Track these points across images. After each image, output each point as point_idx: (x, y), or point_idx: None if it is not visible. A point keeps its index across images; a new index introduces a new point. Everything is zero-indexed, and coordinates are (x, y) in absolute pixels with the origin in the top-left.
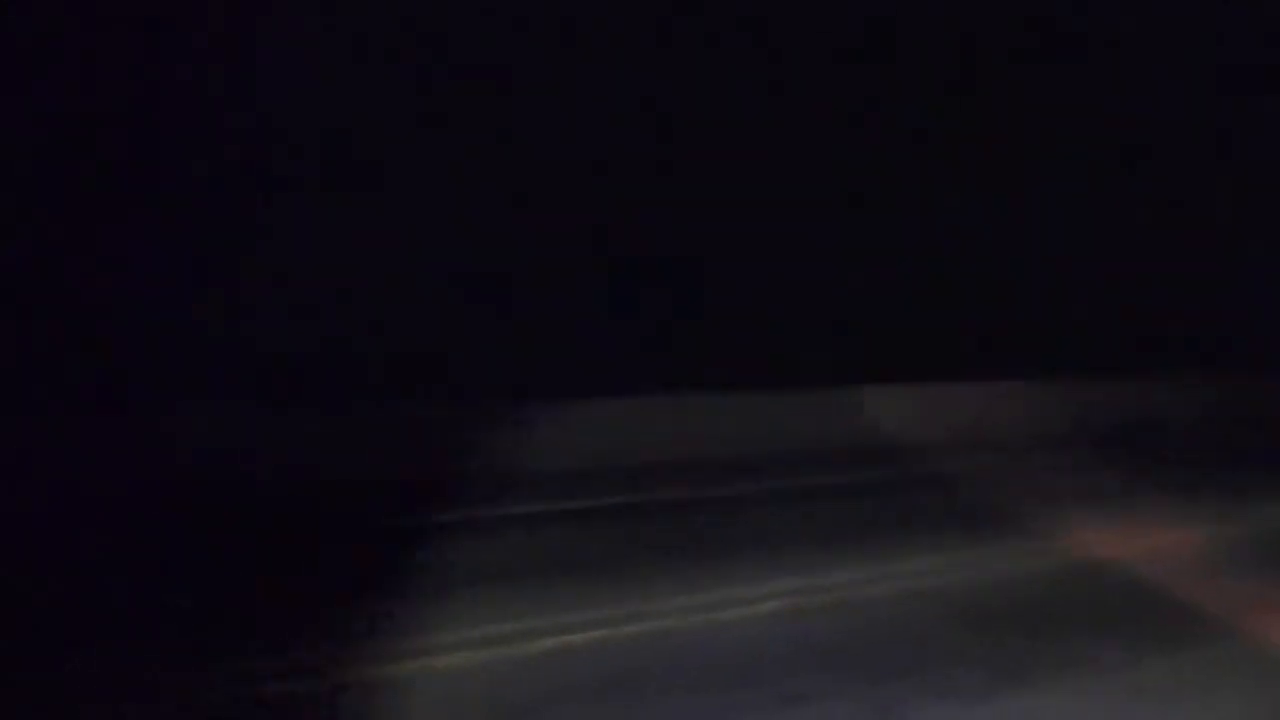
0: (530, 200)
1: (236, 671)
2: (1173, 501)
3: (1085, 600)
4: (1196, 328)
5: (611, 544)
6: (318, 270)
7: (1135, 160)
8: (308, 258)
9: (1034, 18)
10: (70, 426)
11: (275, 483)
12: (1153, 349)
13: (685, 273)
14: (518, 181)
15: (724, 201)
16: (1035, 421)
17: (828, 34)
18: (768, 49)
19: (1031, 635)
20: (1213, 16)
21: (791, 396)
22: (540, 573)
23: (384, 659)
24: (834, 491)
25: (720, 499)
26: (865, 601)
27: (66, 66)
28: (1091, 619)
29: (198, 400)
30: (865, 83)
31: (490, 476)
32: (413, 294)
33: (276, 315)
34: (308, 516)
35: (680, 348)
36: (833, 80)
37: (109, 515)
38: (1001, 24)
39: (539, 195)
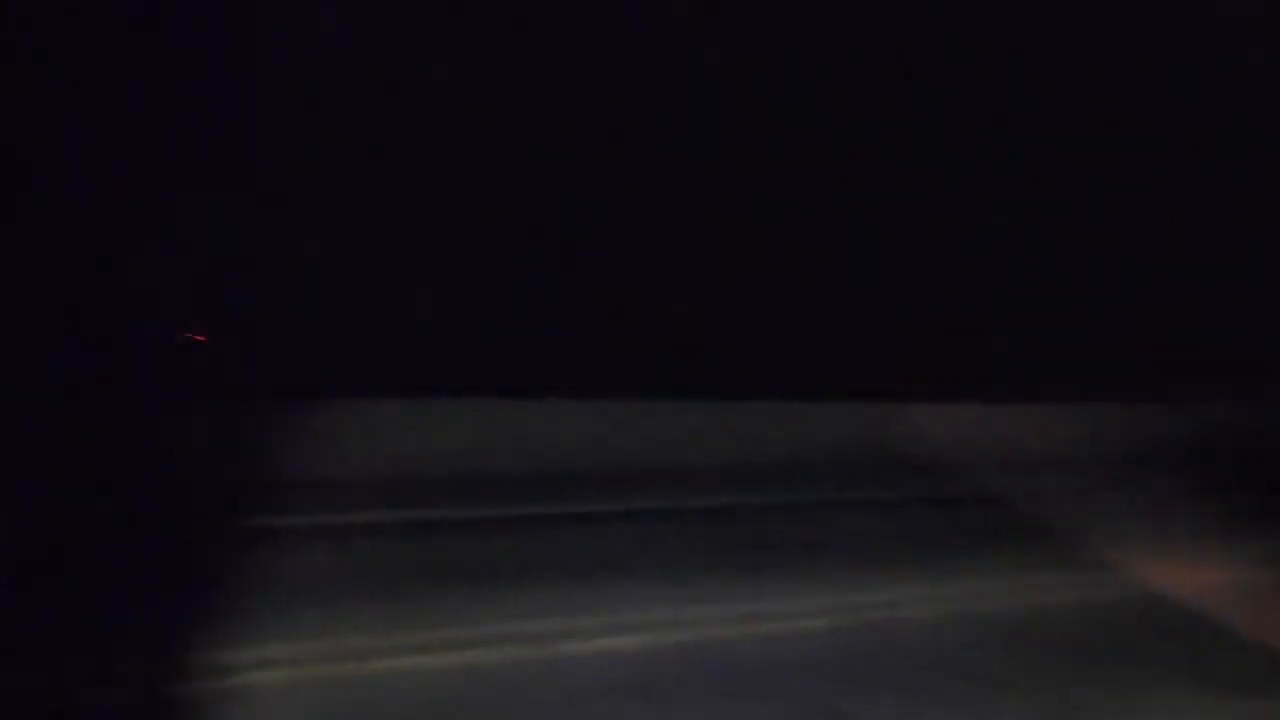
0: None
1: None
2: (1230, 532)
3: (1142, 635)
4: (1243, 352)
5: (650, 549)
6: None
7: (1168, 184)
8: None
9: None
10: None
11: None
12: (1201, 373)
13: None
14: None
15: (757, 217)
16: (1088, 444)
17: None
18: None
19: (1082, 670)
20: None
21: (830, 408)
22: (588, 574)
23: (372, 655)
24: (876, 507)
25: (759, 508)
26: (905, 623)
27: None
28: (1148, 655)
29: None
30: (883, 95)
31: (501, 477)
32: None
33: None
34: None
35: (723, 355)
36: (856, 92)
37: None
38: (1033, 60)
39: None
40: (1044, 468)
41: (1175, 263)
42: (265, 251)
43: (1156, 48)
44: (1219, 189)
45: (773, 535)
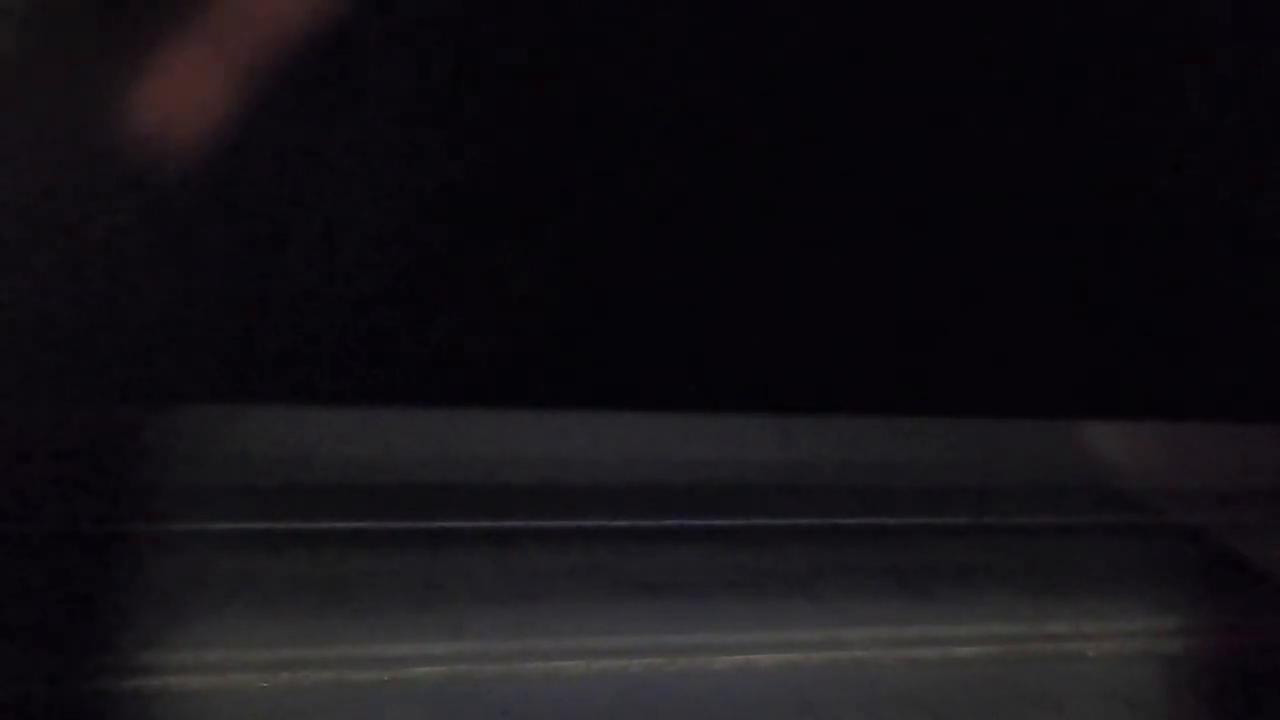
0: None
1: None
2: None
3: None
4: None
5: (802, 567)
6: None
7: None
8: None
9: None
10: None
11: None
12: None
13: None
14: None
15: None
16: None
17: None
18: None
19: None
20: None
21: (1008, 427)
22: (735, 588)
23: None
24: (1056, 533)
25: (921, 529)
26: (1085, 658)
27: None
28: None
29: None
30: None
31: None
32: None
33: None
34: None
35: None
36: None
37: None
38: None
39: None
40: (1246, 499)
41: None
42: None
43: None
44: None
45: (939, 559)
